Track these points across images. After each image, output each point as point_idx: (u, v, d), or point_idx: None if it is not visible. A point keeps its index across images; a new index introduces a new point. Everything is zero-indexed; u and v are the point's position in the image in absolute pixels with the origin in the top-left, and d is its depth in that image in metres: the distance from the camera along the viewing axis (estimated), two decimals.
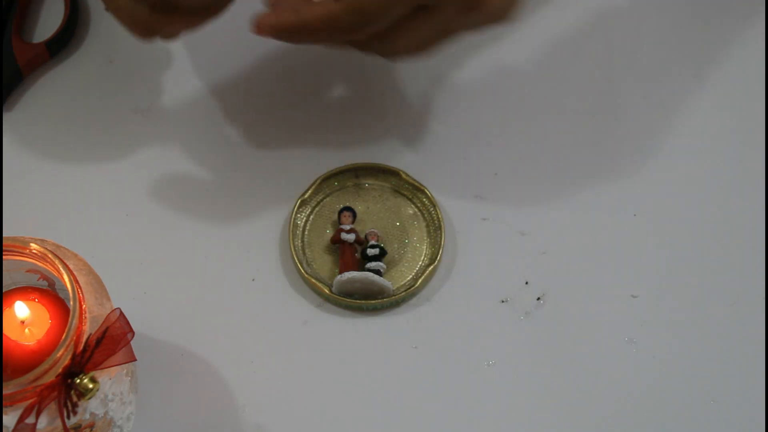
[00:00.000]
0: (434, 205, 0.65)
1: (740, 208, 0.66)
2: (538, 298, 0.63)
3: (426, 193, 0.65)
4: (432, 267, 0.63)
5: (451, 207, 0.65)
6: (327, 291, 0.62)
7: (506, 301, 0.63)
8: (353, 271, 0.61)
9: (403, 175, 0.66)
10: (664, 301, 0.63)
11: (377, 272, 0.62)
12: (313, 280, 0.62)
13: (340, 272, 0.62)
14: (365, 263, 0.63)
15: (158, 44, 0.70)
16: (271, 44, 0.71)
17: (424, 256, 0.64)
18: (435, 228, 0.64)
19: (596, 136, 0.68)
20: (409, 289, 0.62)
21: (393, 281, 0.63)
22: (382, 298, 0.62)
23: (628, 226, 0.65)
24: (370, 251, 0.63)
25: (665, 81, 0.70)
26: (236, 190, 0.66)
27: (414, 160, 0.67)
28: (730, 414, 0.59)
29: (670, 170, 0.67)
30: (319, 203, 0.65)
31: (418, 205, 0.65)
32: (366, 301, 0.62)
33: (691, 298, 0.63)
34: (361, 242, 0.64)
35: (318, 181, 0.65)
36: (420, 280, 0.62)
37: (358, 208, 0.65)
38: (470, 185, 0.66)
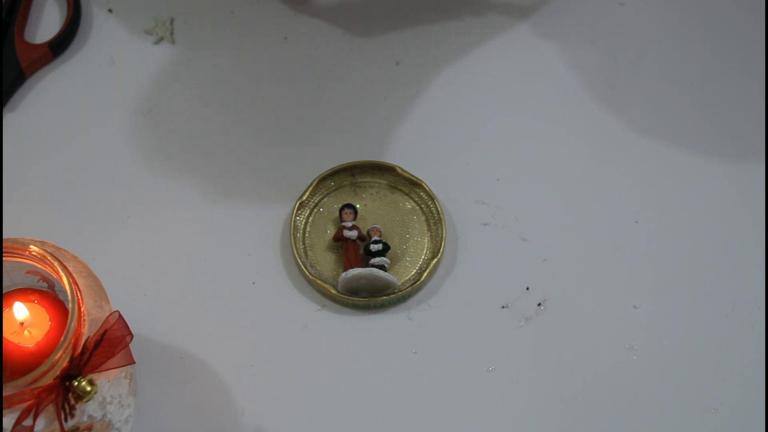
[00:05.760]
0: (432, 199, 0.65)
1: (740, 217, 0.65)
2: (539, 304, 0.62)
3: (423, 187, 0.65)
4: (436, 260, 0.63)
5: (452, 211, 0.65)
6: (334, 291, 0.62)
7: (507, 306, 0.62)
8: (358, 268, 0.61)
9: (399, 171, 0.66)
10: (664, 308, 0.62)
11: (381, 267, 0.62)
12: (319, 282, 0.62)
13: (345, 270, 0.62)
14: (369, 259, 0.63)
15: (161, 46, 0.71)
16: (269, 47, 0.71)
17: (427, 250, 0.64)
18: (435, 221, 0.64)
19: (598, 142, 0.68)
20: (415, 283, 0.62)
21: (398, 276, 0.63)
22: (389, 293, 0.62)
23: (630, 233, 0.65)
24: (374, 247, 0.63)
25: (667, 88, 0.70)
26: (236, 192, 0.66)
27: (409, 156, 0.67)
28: (730, 422, 0.59)
29: (671, 177, 0.67)
30: (317, 204, 0.65)
31: (416, 199, 0.65)
32: (373, 298, 0.62)
33: (690, 304, 0.63)
34: (364, 238, 0.64)
35: (315, 182, 0.65)
36: (425, 274, 0.62)
37: (357, 206, 0.65)
38: (472, 190, 0.66)
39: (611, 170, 0.67)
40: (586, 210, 0.66)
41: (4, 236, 0.52)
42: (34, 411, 0.47)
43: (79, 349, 0.48)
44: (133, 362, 0.52)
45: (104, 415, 0.51)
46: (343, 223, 0.64)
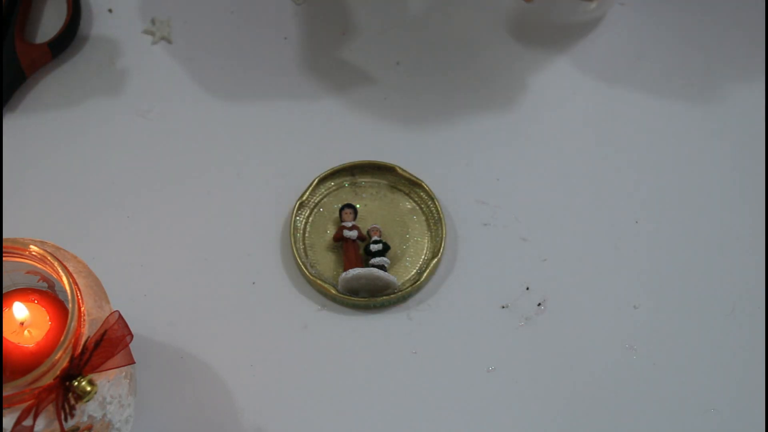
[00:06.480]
0: (432, 199, 0.65)
1: (740, 217, 0.65)
2: (539, 304, 0.62)
3: (423, 187, 0.65)
4: (436, 260, 0.63)
5: (452, 211, 0.65)
6: (333, 291, 0.62)
7: (507, 306, 0.62)
8: (358, 268, 0.61)
9: (399, 171, 0.66)
10: (664, 308, 0.62)
11: (381, 267, 0.62)
12: (319, 282, 0.62)
13: (345, 270, 0.62)
14: (369, 259, 0.63)
15: (160, 46, 0.71)
16: (268, 48, 0.71)
17: (426, 250, 0.64)
18: (435, 221, 0.64)
19: (598, 142, 0.68)
20: (414, 283, 0.62)
21: (398, 276, 0.63)
22: (389, 293, 0.62)
23: (630, 233, 0.65)
24: (374, 247, 0.63)
25: (666, 88, 0.70)
26: (236, 192, 0.66)
27: (409, 156, 0.67)
28: (730, 422, 0.59)
29: (671, 177, 0.67)
30: (317, 204, 0.65)
31: (416, 199, 0.65)
32: (373, 298, 0.62)
33: (690, 304, 0.63)
34: (364, 238, 0.64)
35: (315, 182, 0.65)
36: (425, 274, 0.62)
37: (357, 206, 0.65)
38: (472, 190, 0.66)
39: (611, 170, 0.67)
40: (586, 210, 0.66)
41: (4, 236, 0.52)
42: (34, 411, 0.47)
43: (79, 349, 0.48)
44: (133, 362, 0.52)
45: (104, 415, 0.51)
46: (343, 223, 0.64)
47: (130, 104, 0.68)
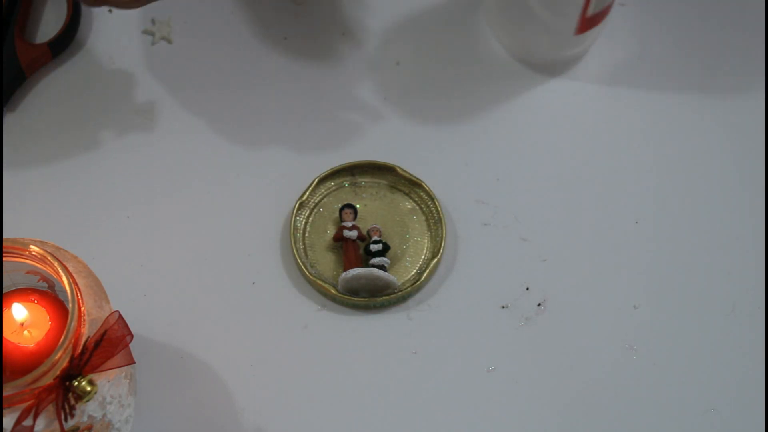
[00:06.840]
0: (432, 199, 0.65)
1: (740, 217, 0.65)
2: (539, 304, 0.62)
3: (423, 187, 0.65)
4: (436, 260, 0.63)
5: (452, 211, 0.65)
6: (334, 291, 0.62)
7: (507, 306, 0.62)
8: (358, 268, 0.61)
9: (399, 171, 0.66)
10: (664, 308, 0.62)
11: (381, 267, 0.62)
12: (319, 282, 0.62)
13: (345, 270, 0.62)
14: (369, 259, 0.63)
15: (160, 46, 0.71)
16: (268, 47, 0.71)
17: (426, 250, 0.64)
18: (435, 221, 0.64)
19: (598, 142, 0.68)
20: (414, 283, 0.62)
21: (398, 276, 0.63)
22: (389, 293, 0.62)
23: (630, 233, 0.65)
24: (374, 247, 0.63)
25: (667, 88, 0.70)
26: (236, 192, 0.66)
27: (409, 156, 0.67)
28: (730, 422, 0.59)
29: (671, 177, 0.67)
30: (317, 204, 0.65)
31: (416, 199, 0.65)
32: (373, 298, 0.62)
33: (690, 304, 0.63)
34: (364, 238, 0.64)
35: (315, 182, 0.65)
36: (425, 274, 0.62)
37: (357, 206, 0.65)
38: (472, 190, 0.66)
39: (611, 170, 0.67)
40: (586, 210, 0.66)
41: (4, 236, 0.52)
42: (34, 411, 0.47)
43: (79, 349, 0.48)
44: (133, 362, 0.52)
45: (104, 415, 0.51)
46: (343, 223, 0.64)
47: (130, 104, 0.68)
